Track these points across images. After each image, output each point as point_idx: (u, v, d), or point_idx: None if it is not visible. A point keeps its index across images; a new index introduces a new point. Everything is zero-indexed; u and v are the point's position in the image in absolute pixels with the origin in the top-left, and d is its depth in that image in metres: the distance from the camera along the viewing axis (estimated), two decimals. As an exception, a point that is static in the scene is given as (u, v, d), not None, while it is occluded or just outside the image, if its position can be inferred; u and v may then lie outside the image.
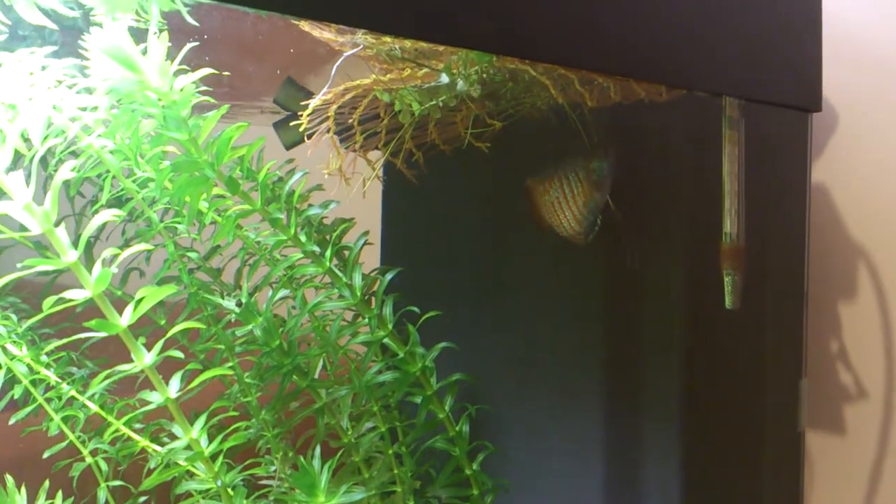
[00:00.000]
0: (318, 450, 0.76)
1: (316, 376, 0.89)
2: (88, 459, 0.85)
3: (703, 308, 1.00)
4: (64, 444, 0.84)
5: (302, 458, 0.76)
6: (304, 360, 0.87)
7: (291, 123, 0.91)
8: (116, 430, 0.81)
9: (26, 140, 0.67)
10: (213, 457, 0.73)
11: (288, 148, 1.04)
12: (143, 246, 0.67)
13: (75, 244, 0.64)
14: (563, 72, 0.82)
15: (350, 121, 0.93)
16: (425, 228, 1.22)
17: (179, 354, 0.69)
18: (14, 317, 0.86)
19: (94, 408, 0.85)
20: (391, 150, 0.96)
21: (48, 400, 0.84)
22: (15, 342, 0.84)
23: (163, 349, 0.69)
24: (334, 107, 0.89)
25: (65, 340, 0.69)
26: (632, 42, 0.80)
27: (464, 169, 1.08)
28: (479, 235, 1.16)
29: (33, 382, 0.85)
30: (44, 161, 0.86)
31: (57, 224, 0.63)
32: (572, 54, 0.76)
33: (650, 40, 0.81)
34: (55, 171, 0.78)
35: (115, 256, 0.65)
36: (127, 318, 0.65)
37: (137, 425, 0.86)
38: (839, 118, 1.13)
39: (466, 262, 1.17)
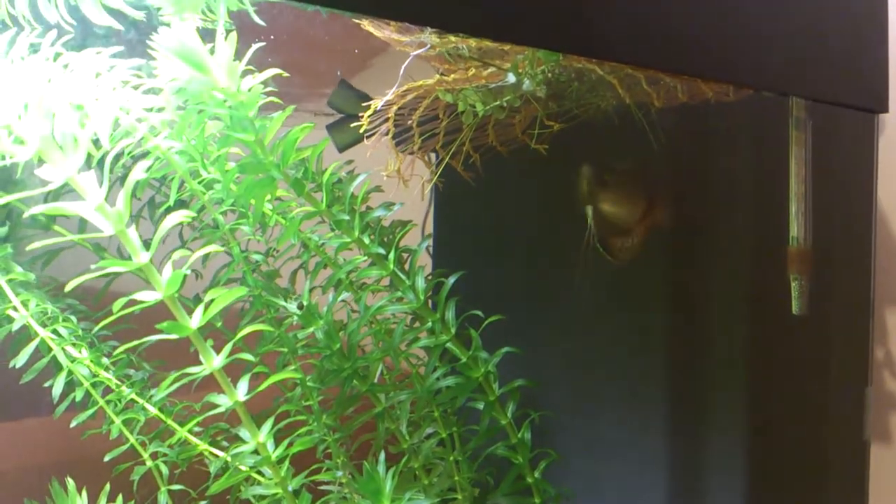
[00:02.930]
0: (382, 455, 0.75)
1: (375, 380, 0.88)
2: (149, 463, 0.84)
3: (769, 313, 0.98)
4: (125, 447, 0.84)
5: (367, 464, 0.75)
6: (364, 364, 0.86)
7: (351, 125, 0.90)
8: (180, 434, 0.80)
9: (94, 141, 0.66)
10: (280, 461, 0.72)
11: (341, 151, 1.03)
12: (214, 247, 0.67)
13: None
14: (630, 71, 0.81)
15: (409, 122, 0.92)
16: (479, 230, 1.20)
17: (250, 357, 0.68)
18: (73, 318, 0.86)
19: (153, 411, 0.85)
20: (449, 153, 0.94)
21: (108, 402, 0.84)
22: (75, 344, 0.84)
23: (230, 352, 0.68)
24: (395, 108, 0.88)
25: (133, 343, 0.68)
26: (701, 41, 0.79)
27: (519, 170, 1.06)
28: (535, 237, 1.14)
29: (93, 385, 0.84)
30: (104, 164, 0.86)
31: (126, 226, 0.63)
32: (641, 53, 0.75)
33: (719, 39, 0.80)
34: (121, 173, 0.78)
35: (185, 258, 0.64)
36: (197, 319, 0.64)
37: (196, 428, 0.85)
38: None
39: (522, 264, 1.16)
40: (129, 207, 0.60)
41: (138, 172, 0.61)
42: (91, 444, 0.85)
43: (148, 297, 0.62)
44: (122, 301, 0.62)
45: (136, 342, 0.69)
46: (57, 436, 0.92)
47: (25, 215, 0.61)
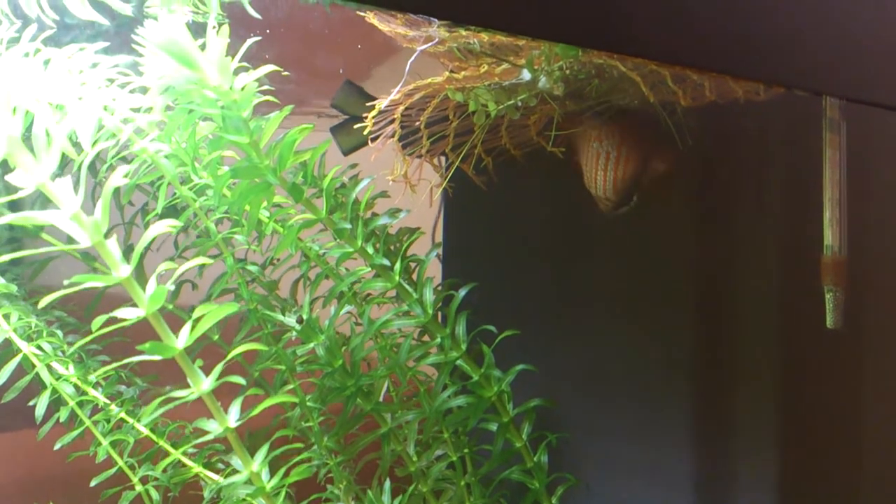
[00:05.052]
0: (387, 483, 0.70)
1: (380, 399, 0.82)
2: (139, 487, 0.79)
3: (800, 327, 0.92)
4: (113, 470, 0.78)
5: (371, 492, 0.69)
6: (369, 382, 0.80)
7: (355, 126, 0.85)
8: (169, 457, 0.75)
9: (75, 144, 0.61)
10: (275, 492, 0.66)
11: (346, 154, 0.98)
12: (200, 259, 0.61)
13: (126, 257, 0.58)
14: (654, 67, 0.75)
15: (417, 123, 0.86)
16: (491, 238, 1.15)
17: (241, 380, 0.62)
18: (60, 332, 0.81)
19: (144, 431, 0.79)
20: (461, 156, 0.89)
21: (96, 423, 0.79)
22: (61, 360, 0.79)
23: (222, 371, 0.63)
24: (401, 108, 0.82)
25: (115, 365, 0.63)
26: (730, 36, 0.73)
27: (534, 174, 1.01)
28: (549, 245, 1.09)
29: (80, 404, 0.79)
30: (92, 167, 0.80)
31: (107, 235, 0.57)
32: (667, 48, 0.70)
33: (749, 35, 0.74)
34: (105, 177, 0.73)
35: (171, 272, 0.59)
36: (184, 339, 0.59)
37: (190, 449, 0.80)
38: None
39: (536, 273, 1.10)
40: (107, 217, 0.55)
41: (118, 178, 0.55)
42: (88, 458, 0.80)
43: (129, 314, 0.57)
44: (100, 319, 0.57)
45: (118, 363, 0.64)
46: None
47: (-4, 224, 0.56)
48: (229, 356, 0.62)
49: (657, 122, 0.86)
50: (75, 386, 0.79)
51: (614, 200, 0.92)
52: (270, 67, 0.65)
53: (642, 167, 0.90)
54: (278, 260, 0.84)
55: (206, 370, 0.62)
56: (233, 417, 0.63)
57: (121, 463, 0.79)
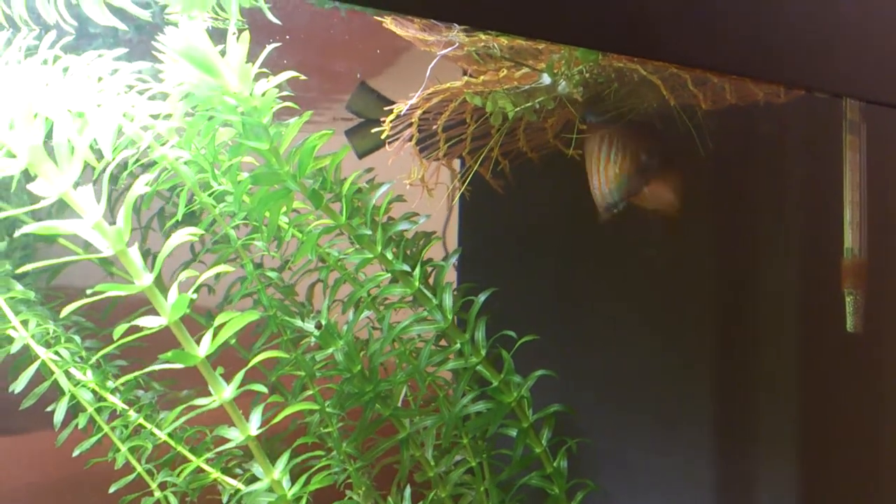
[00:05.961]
0: (408, 490, 0.69)
1: (399, 405, 0.82)
2: (157, 494, 0.79)
3: (821, 330, 0.91)
4: (132, 476, 0.78)
5: (390, 498, 0.69)
6: (388, 387, 0.80)
7: (373, 130, 0.84)
8: (188, 463, 0.75)
9: (95, 151, 0.61)
10: (297, 498, 0.66)
11: (360, 157, 0.97)
12: (222, 267, 0.61)
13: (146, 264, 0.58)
14: (675, 71, 0.75)
15: (434, 127, 0.86)
16: (507, 241, 1.14)
17: (263, 389, 0.62)
18: (77, 338, 0.81)
19: (163, 436, 0.79)
20: (478, 159, 0.89)
21: (113, 428, 0.79)
22: (79, 366, 0.78)
23: (243, 378, 0.62)
24: (419, 112, 0.82)
25: (137, 374, 0.62)
26: (750, 39, 0.72)
27: (551, 177, 1.00)
28: (567, 249, 1.08)
29: (98, 409, 0.79)
30: (111, 174, 0.80)
31: (129, 244, 0.57)
32: (688, 52, 0.69)
33: (769, 38, 0.74)
34: (125, 184, 0.73)
35: (192, 279, 0.59)
36: (205, 347, 0.59)
37: (208, 454, 0.79)
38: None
39: (553, 278, 1.10)
40: (130, 225, 0.55)
41: (140, 187, 0.55)
42: (104, 462, 0.80)
43: (151, 322, 0.57)
44: (122, 328, 0.56)
45: (140, 372, 0.63)
46: (70, 450, 0.87)
47: (16, 234, 0.56)
48: (250, 364, 0.62)
49: (668, 128, 0.85)
50: (93, 391, 0.79)
51: (601, 205, 0.89)
52: (290, 73, 0.65)
53: (633, 176, 0.88)
54: (294, 267, 0.84)
55: (225, 375, 0.62)
56: (254, 425, 0.63)
57: (139, 469, 0.79)
